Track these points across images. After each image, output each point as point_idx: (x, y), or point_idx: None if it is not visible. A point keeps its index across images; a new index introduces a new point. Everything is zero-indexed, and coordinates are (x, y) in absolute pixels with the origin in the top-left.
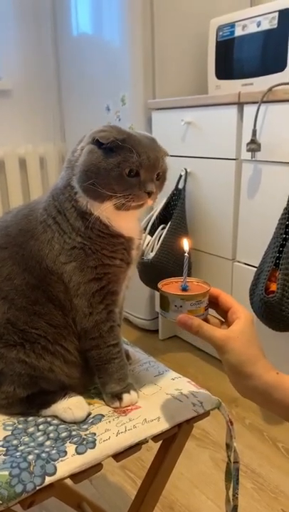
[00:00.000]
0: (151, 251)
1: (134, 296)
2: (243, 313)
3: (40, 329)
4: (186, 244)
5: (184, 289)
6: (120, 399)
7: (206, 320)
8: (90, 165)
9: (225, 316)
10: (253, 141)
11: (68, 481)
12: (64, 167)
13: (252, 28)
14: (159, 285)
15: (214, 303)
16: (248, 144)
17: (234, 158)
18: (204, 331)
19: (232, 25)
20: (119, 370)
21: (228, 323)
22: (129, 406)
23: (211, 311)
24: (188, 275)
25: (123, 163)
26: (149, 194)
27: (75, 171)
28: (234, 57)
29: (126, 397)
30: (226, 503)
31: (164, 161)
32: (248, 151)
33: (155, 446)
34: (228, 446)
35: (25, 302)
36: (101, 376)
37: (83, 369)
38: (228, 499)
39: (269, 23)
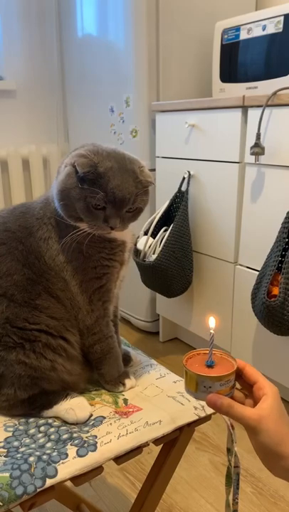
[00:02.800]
0: (153, 253)
1: (135, 298)
2: (269, 388)
3: (42, 323)
4: (212, 321)
5: (210, 366)
6: (123, 384)
7: (232, 397)
8: (64, 188)
9: (249, 389)
10: (256, 144)
11: (68, 483)
12: (56, 175)
13: (257, 32)
14: (184, 362)
15: (238, 374)
16: (251, 148)
17: (238, 161)
18: (235, 410)
19: (237, 28)
20: (117, 359)
21: (253, 398)
22: (130, 388)
23: None
24: (189, 281)
25: (89, 197)
26: (112, 228)
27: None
28: (239, 61)
29: (128, 382)
30: (225, 508)
31: (140, 195)
32: (251, 154)
33: (155, 449)
34: (229, 451)
35: (26, 297)
36: (101, 368)
37: (83, 364)
38: (228, 504)
39: (274, 26)
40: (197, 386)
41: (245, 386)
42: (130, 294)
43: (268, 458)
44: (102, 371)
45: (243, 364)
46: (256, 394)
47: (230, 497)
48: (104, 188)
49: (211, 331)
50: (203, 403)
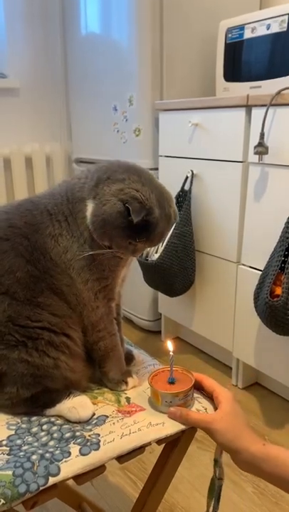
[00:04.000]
0: (156, 252)
1: (137, 298)
2: (223, 396)
3: (45, 321)
4: (170, 345)
5: (171, 382)
6: (126, 383)
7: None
8: (111, 223)
9: (212, 398)
10: (260, 144)
11: (69, 481)
12: (91, 180)
13: (261, 31)
14: (150, 379)
15: (200, 386)
16: (255, 147)
17: (241, 160)
18: (191, 418)
19: (241, 27)
20: (120, 357)
21: (215, 404)
22: (132, 388)
23: None
24: (192, 280)
25: (133, 240)
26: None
27: (96, 200)
28: (243, 60)
29: (130, 380)
30: None
31: (167, 234)
32: (255, 153)
33: (157, 448)
34: (216, 462)
35: (29, 295)
36: (104, 366)
37: (85, 361)
38: None
39: (279, 26)
40: (160, 401)
41: (207, 394)
42: (132, 293)
43: (231, 455)
44: (105, 369)
45: (200, 377)
46: (215, 402)
47: (211, 509)
48: (148, 234)
49: (171, 353)
50: (206, 405)
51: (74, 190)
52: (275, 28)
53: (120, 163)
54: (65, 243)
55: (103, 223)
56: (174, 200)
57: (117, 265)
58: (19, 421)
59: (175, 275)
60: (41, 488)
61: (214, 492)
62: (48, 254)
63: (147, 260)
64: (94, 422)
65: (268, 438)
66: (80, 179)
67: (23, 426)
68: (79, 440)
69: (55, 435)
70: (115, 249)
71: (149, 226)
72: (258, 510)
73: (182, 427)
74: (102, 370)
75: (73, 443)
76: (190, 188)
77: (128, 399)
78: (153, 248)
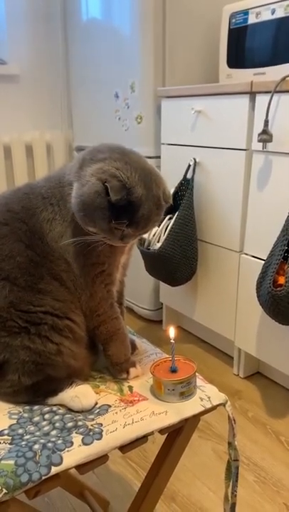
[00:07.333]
0: (158, 241)
1: (139, 287)
2: None
3: (47, 305)
4: (172, 331)
5: (174, 371)
6: (127, 372)
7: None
8: (90, 204)
9: None
10: (264, 131)
11: (71, 470)
12: (77, 163)
13: (266, 16)
14: (152, 369)
15: None
16: (259, 135)
17: (245, 148)
18: None
19: (245, 12)
20: (124, 340)
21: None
22: (135, 378)
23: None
24: (194, 269)
25: (115, 223)
26: (125, 244)
27: (78, 183)
28: (246, 46)
29: (132, 370)
30: (224, 502)
31: (156, 219)
32: (259, 141)
33: (159, 438)
34: (230, 445)
35: (30, 281)
36: (108, 349)
37: (88, 347)
38: (226, 497)
39: (284, 10)
40: (162, 389)
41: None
42: (134, 283)
43: None
44: (109, 352)
45: None
46: None
47: (230, 490)
48: (131, 216)
49: (172, 341)
50: (210, 394)
51: (65, 173)
52: (280, 13)
53: (107, 145)
54: (58, 228)
55: (82, 205)
56: (165, 183)
57: (113, 251)
58: (21, 410)
59: (177, 264)
60: (43, 478)
61: (231, 474)
62: (45, 239)
63: (149, 249)
64: (96, 412)
65: (269, 428)
66: (73, 162)
67: (25, 415)
68: (81, 430)
69: (57, 424)
70: (102, 235)
71: (131, 207)
72: (259, 498)
73: (185, 415)
74: (106, 353)
75: (76, 432)
76: (192, 176)
77: (131, 388)
78: (155, 237)
